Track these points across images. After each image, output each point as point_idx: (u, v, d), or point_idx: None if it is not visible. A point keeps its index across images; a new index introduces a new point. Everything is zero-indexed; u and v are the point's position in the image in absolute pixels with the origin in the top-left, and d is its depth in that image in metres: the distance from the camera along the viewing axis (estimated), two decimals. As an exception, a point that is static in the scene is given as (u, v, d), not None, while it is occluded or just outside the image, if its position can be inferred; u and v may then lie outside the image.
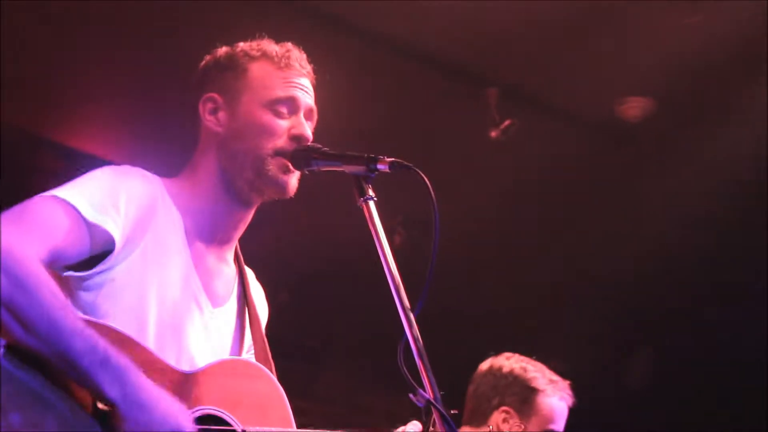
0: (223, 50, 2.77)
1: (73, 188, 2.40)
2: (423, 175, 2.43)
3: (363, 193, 2.49)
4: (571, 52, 5.85)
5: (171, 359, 2.45)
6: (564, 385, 4.07)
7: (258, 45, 2.76)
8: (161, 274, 2.50)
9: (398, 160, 2.50)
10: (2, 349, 2.09)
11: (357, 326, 8.24)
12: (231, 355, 2.71)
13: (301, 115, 2.72)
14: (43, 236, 2.27)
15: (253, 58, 2.73)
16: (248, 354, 2.80)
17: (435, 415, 2.26)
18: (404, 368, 2.32)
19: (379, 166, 2.50)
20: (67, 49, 5.77)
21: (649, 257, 7.43)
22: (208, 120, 2.70)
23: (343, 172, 2.55)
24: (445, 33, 5.73)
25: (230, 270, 2.76)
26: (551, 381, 4.04)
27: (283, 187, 2.67)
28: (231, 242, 2.75)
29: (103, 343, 2.17)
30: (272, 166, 2.65)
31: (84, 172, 2.49)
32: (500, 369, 4.03)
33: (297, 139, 2.67)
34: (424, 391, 2.28)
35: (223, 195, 2.67)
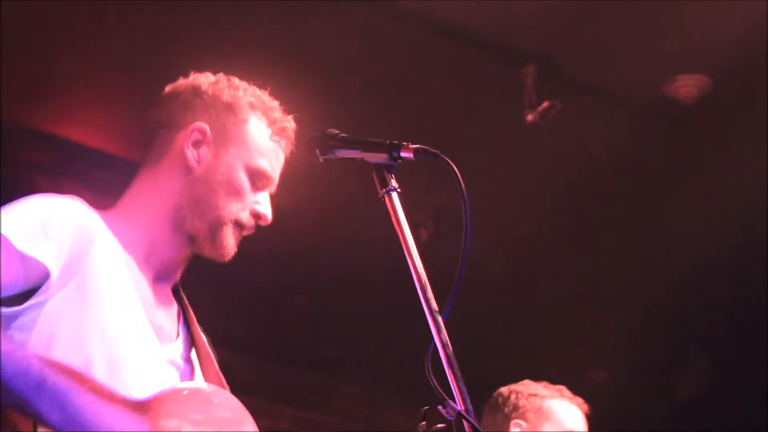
0: (221, 83, 2.80)
1: (2, 217, 2.40)
2: (452, 163, 2.43)
3: (385, 184, 2.49)
4: (618, 24, 5.82)
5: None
6: (570, 393, 4.40)
7: (260, 98, 2.80)
8: (102, 307, 2.49)
9: (424, 146, 2.49)
10: None
11: (379, 332, 8.25)
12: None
13: (267, 194, 2.78)
14: None
15: (254, 111, 2.77)
16: None
17: (467, 429, 2.27)
18: (432, 377, 2.33)
19: (403, 154, 2.49)
20: (50, 33, 5.83)
21: (708, 255, 7.40)
22: (190, 151, 2.72)
23: (362, 160, 2.55)
24: (477, 5, 5.72)
25: (173, 307, 2.78)
26: (555, 389, 4.38)
27: (225, 254, 2.73)
28: (172, 279, 2.78)
29: (37, 364, 2.19)
30: (227, 234, 2.71)
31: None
32: (501, 395, 4.37)
33: (258, 217, 2.75)
34: (455, 402, 2.29)
35: (168, 232, 2.70)
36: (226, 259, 2.74)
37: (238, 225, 2.72)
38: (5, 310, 2.39)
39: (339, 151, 2.62)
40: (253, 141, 2.74)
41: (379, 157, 2.52)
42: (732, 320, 8.02)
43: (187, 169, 2.71)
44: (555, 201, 7.17)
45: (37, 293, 2.40)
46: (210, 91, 2.77)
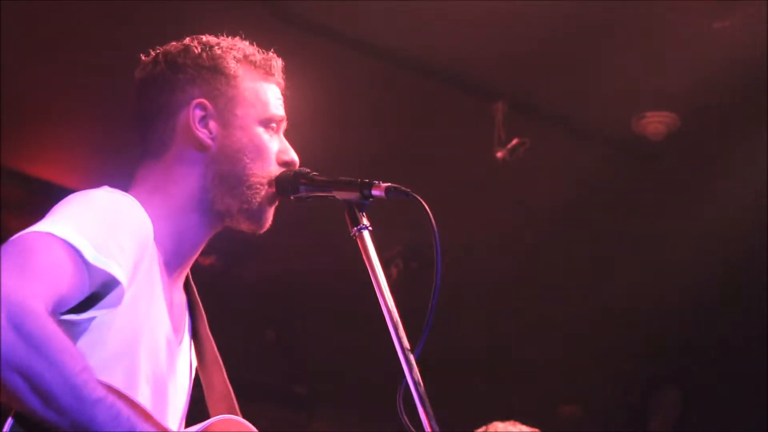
0: (196, 49, 2.66)
1: (68, 223, 2.26)
2: (423, 201, 2.42)
3: (356, 222, 2.48)
4: (587, 61, 5.86)
5: (158, 412, 2.42)
6: None
7: (238, 47, 2.69)
8: (149, 315, 2.45)
9: (395, 185, 2.48)
10: (10, 423, 2.02)
11: (351, 369, 8.23)
12: (186, 394, 2.67)
13: (281, 134, 2.70)
14: (48, 284, 2.14)
15: (240, 64, 2.66)
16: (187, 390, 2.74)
17: (439, 468, 2.26)
18: (404, 416, 2.32)
19: (374, 192, 2.47)
20: (20, 74, 5.82)
21: (677, 289, 7.44)
22: (200, 131, 2.59)
23: (334, 198, 2.54)
24: (449, 43, 5.74)
25: (182, 298, 2.69)
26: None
27: (265, 221, 2.64)
28: (188, 268, 2.68)
29: (126, 411, 2.12)
30: (264, 198, 2.61)
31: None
32: None
33: (287, 165, 2.64)
34: (427, 440, 2.28)
35: (197, 217, 2.59)
36: (265, 229, 2.63)
37: (272, 183, 2.61)
38: (70, 317, 2.28)
39: (311, 190, 2.59)
40: (253, 93, 2.64)
41: (350, 196, 2.50)
42: (705, 354, 8.05)
43: (202, 149, 2.59)
44: (526, 235, 7.19)
45: (100, 303, 2.31)
46: (191, 62, 2.63)
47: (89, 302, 2.30)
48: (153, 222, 2.47)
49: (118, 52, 5.49)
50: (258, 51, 2.71)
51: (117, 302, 2.32)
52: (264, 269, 7.14)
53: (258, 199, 2.60)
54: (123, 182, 2.65)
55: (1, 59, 5.66)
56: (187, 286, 2.72)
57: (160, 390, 2.49)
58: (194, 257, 2.66)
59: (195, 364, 2.71)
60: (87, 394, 2.06)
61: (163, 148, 2.62)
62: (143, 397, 2.42)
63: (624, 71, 5.88)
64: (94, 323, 2.33)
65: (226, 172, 2.59)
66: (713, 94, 5.91)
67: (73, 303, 2.25)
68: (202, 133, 2.59)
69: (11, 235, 2.31)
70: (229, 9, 5.31)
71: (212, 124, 2.60)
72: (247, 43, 2.72)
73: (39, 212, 2.42)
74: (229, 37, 2.72)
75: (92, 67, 5.77)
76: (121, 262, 2.29)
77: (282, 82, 2.74)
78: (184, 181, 2.60)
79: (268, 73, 2.70)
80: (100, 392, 2.08)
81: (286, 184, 2.62)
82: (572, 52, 5.78)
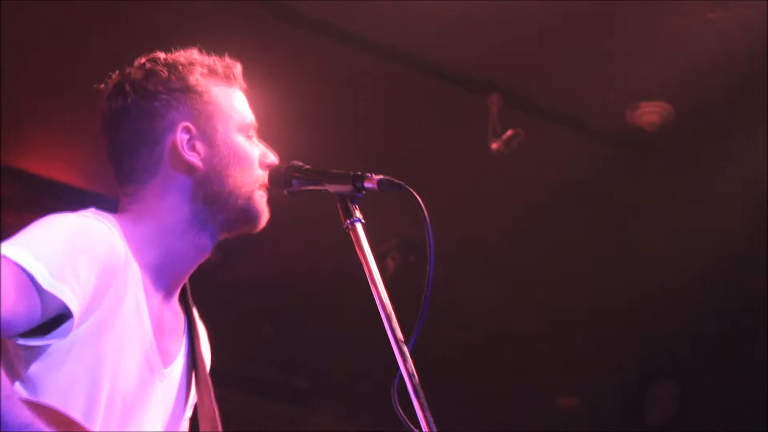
0: (161, 69, 2.64)
1: (25, 247, 2.24)
2: (415, 193, 2.44)
3: (349, 214, 2.50)
4: (581, 52, 5.86)
5: None
6: None
7: (200, 62, 2.68)
8: (117, 341, 2.41)
9: (388, 177, 2.50)
10: None
11: (348, 363, 8.24)
12: (176, 418, 2.65)
13: (256, 138, 2.71)
14: None
15: (207, 78, 2.66)
16: (188, 414, 2.73)
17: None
18: (399, 407, 2.34)
19: (367, 185, 2.49)
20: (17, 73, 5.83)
21: (674, 282, 7.44)
22: (189, 154, 2.59)
23: (327, 192, 2.56)
24: (443, 36, 5.74)
25: (179, 319, 2.68)
26: None
27: (262, 219, 2.66)
28: (178, 290, 2.67)
29: None
30: (259, 202, 2.64)
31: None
32: None
33: (270, 167, 2.67)
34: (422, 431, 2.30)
35: (191, 240, 2.59)
36: (263, 226, 2.65)
37: (263, 186, 2.65)
38: (26, 341, 2.29)
39: (304, 183, 2.62)
40: (226, 104, 2.65)
41: (343, 189, 2.52)
42: (702, 347, 8.05)
43: (191, 171, 2.59)
44: (522, 228, 7.19)
45: (57, 330, 2.30)
46: (162, 87, 2.62)
47: (41, 330, 2.29)
48: (139, 247, 2.48)
49: (117, 51, 5.53)
50: (218, 60, 2.71)
51: (66, 333, 2.31)
52: (264, 264, 7.15)
53: (259, 203, 2.64)
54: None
55: (1, 59, 5.66)
56: (185, 306, 2.71)
57: (127, 414, 2.47)
58: (185, 280, 2.66)
59: (193, 384, 2.70)
60: (8, 420, 2.07)
61: (148, 176, 2.61)
62: (109, 421, 2.41)
63: (618, 62, 5.88)
64: (50, 349, 2.32)
65: (217, 190, 2.60)
66: (708, 84, 5.90)
67: (22, 328, 2.24)
68: (191, 157, 2.60)
69: (9, 232, 2.30)
70: (227, 8, 5.31)
71: (199, 145, 2.61)
72: (205, 55, 2.71)
73: (37, 209, 2.42)
74: (182, 50, 2.70)
75: (92, 66, 5.75)
76: (76, 290, 2.27)
77: (244, 85, 2.75)
78: (176, 206, 2.59)
79: (231, 81, 2.70)
80: (25, 419, 2.10)
81: (278, 177, 2.65)
82: (566, 44, 5.78)
